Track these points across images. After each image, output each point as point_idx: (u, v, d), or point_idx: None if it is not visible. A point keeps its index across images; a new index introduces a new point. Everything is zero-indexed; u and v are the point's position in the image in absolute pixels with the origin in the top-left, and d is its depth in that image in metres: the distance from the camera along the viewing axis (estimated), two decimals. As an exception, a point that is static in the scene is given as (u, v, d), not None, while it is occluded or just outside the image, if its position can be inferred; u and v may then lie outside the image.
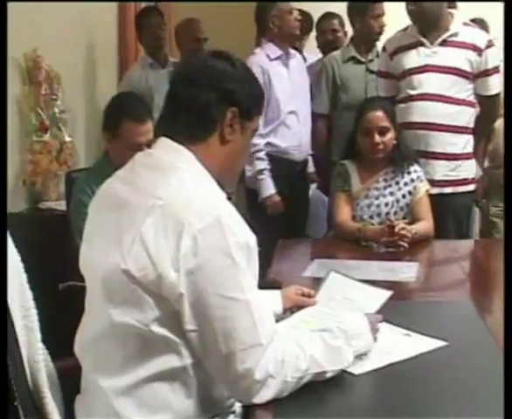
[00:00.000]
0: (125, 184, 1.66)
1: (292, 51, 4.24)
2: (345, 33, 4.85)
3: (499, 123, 4.04)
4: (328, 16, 4.91)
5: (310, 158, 4.37)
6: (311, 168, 4.42)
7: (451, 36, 3.56)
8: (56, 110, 3.89)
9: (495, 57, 3.63)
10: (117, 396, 1.55)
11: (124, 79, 4.80)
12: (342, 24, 4.86)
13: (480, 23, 4.87)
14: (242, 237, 1.54)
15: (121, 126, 2.81)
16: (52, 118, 3.86)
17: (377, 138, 3.20)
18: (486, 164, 4.23)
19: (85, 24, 4.61)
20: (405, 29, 3.75)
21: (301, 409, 1.55)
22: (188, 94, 1.66)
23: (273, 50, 4.09)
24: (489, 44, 3.58)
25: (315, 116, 4.35)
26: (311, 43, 5.22)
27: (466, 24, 3.66)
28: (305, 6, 5.24)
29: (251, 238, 1.57)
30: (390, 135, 3.22)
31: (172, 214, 1.50)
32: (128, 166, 1.73)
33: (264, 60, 4.04)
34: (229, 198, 1.63)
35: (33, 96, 3.76)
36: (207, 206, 1.53)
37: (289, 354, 1.56)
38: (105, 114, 2.95)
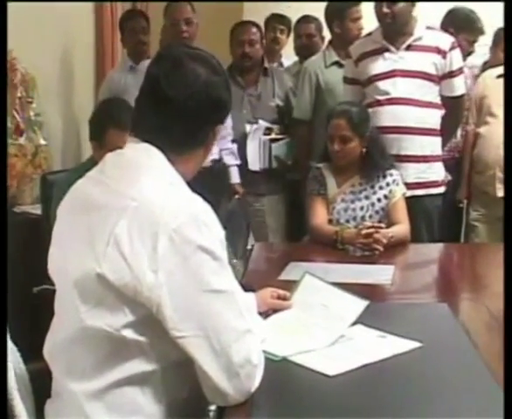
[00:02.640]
0: (95, 185, 1.65)
1: None
2: (322, 38, 4.82)
3: (483, 129, 4.07)
4: (305, 19, 4.87)
5: (234, 168, 4.30)
6: (234, 178, 4.31)
7: (415, 40, 3.60)
8: (31, 113, 3.86)
9: (459, 58, 3.68)
10: (87, 400, 1.54)
11: (105, 82, 4.74)
12: (319, 29, 4.80)
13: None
14: (218, 233, 1.55)
15: (107, 133, 2.78)
16: (28, 121, 3.83)
17: (336, 146, 3.21)
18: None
19: (61, 26, 4.58)
20: (369, 34, 3.78)
21: (275, 410, 1.55)
22: (187, 108, 1.63)
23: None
24: (453, 46, 3.62)
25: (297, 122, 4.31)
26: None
27: (428, 27, 3.70)
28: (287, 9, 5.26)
29: (222, 234, 1.58)
30: (352, 144, 3.21)
31: (146, 215, 1.49)
32: (97, 167, 1.72)
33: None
34: None
35: (9, 99, 3.72)
36: (181, 204, 1.53)
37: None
38: (90, 123, 2.92)
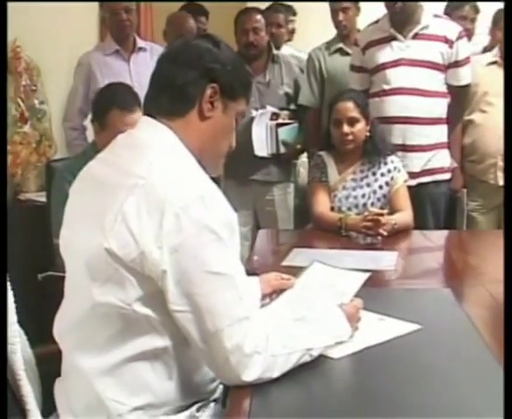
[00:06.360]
0: (105, 165, 1.67)
1: (142, 46, 4.19)
2: (292, 30, 4.78)
3: (478, 117, 4.03)
4: (274, 9, 4.90)
5: None
6: None
7: (422, 29, 3.60)
8: (36, 101, 3.88)
9: (466, 48, 3.68)
10: (98, 377, 1.55)
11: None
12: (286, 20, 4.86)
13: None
14: (225, 215, 1.55)
15: (109, 115, 2.78)
16: (32, 109, 3.84)
17: (346, 128, 3.22)
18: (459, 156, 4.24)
19: (65, 14, 4.57)
20: (376, 22, 3.77)
21: (280, 392, 1.55)
22: (168, 72, 1.67)
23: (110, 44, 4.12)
24: (460, 36, 3.62)
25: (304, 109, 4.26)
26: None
27: (436, 15, 3.71)
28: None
29: (233, 216, 1.57)
30: (360, 126, 3.24)
31: (154, 192, 1.50)
32: (109, 147, 1.74)
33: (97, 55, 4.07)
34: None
35: (13, 87, 3.74)
36: (189, 183, 1.54)
37: (273, 331, 1.58)
38: (93, 105, 2.93)
